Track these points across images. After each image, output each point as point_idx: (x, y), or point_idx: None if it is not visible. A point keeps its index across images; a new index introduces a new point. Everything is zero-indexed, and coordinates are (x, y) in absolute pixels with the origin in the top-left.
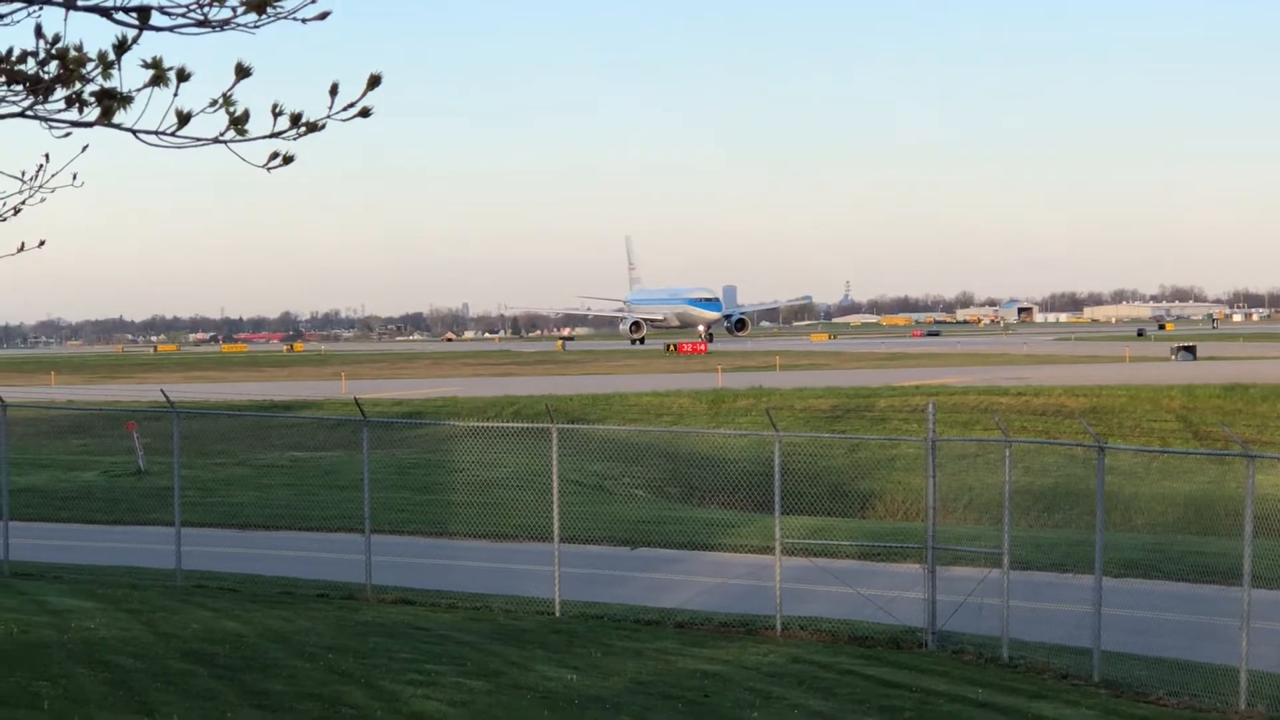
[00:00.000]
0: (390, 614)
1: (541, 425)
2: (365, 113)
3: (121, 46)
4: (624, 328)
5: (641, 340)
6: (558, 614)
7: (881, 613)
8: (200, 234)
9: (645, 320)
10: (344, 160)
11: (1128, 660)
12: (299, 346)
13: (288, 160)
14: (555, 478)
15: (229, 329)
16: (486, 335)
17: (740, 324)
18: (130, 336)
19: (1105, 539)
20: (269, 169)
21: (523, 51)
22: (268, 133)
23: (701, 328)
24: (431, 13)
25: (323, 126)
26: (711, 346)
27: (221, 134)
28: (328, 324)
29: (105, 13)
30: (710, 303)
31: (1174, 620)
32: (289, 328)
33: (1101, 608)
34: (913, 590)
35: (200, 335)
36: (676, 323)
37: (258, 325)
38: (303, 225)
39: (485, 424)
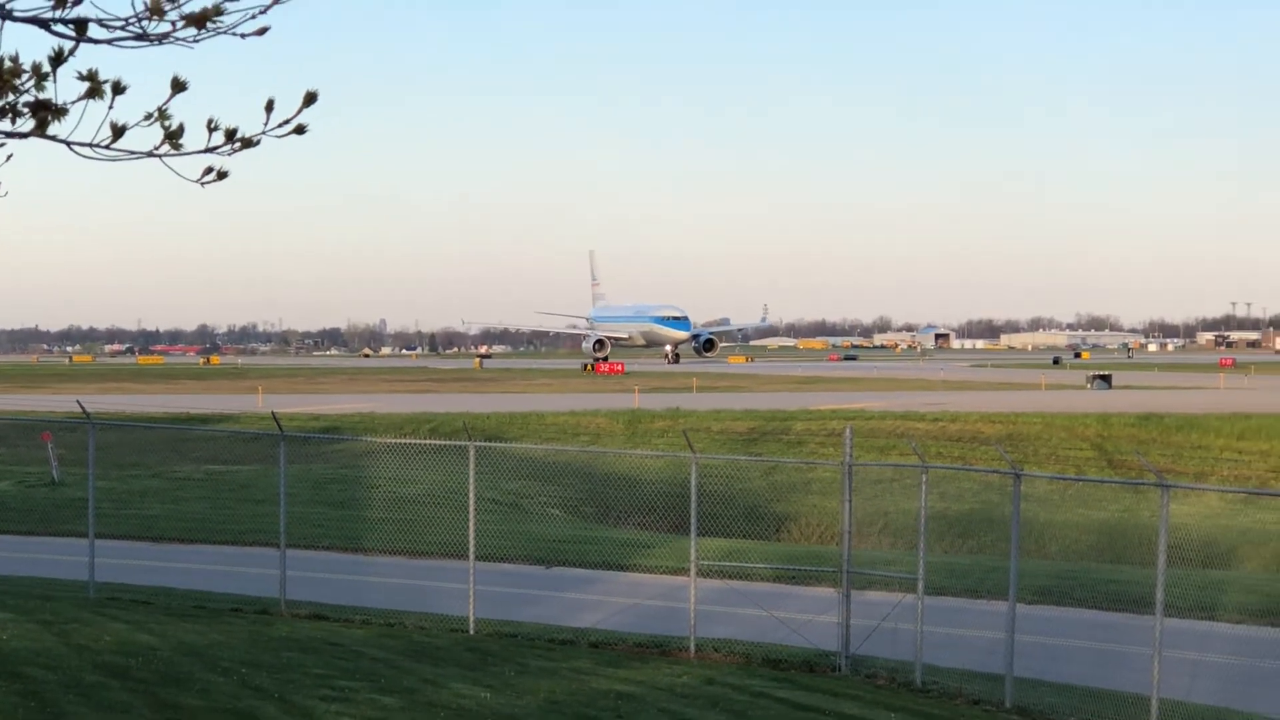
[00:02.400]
0: (304, 629)
1: (459, 443)
2: (300, 129)
3: (58, 58)
4: (587, 346)
5: (605, 359)
6: (472, 632)
7: (795, 635)
8: (118, 245)
9: (609, 339)
10: (264, 174)
11: (1040, 687)
12: (215, 360)
13: (222, 176)
14: (472, 495)
15: (145, 341)
16: (404, 351)
17: (709, 344)
18: (46, 347)
19: (1019, 565)
20: (203, 184)
21: (455, 71)
22: (203, 147)
23: (669, 347)
24: (369, 30)
25: (258, 142)
26: (639, 368)
27: (156, 148)
28: (244, 337)
29: (44, 24)
30: (679, 321)
31: (1086, 647)
32: (206, 340)
33: (1015, 634)
34: (827, 614)
35: (116, 346)
36: (642, 341)
37: (174, 338)
38: (220, 239)
39: (402, 440)
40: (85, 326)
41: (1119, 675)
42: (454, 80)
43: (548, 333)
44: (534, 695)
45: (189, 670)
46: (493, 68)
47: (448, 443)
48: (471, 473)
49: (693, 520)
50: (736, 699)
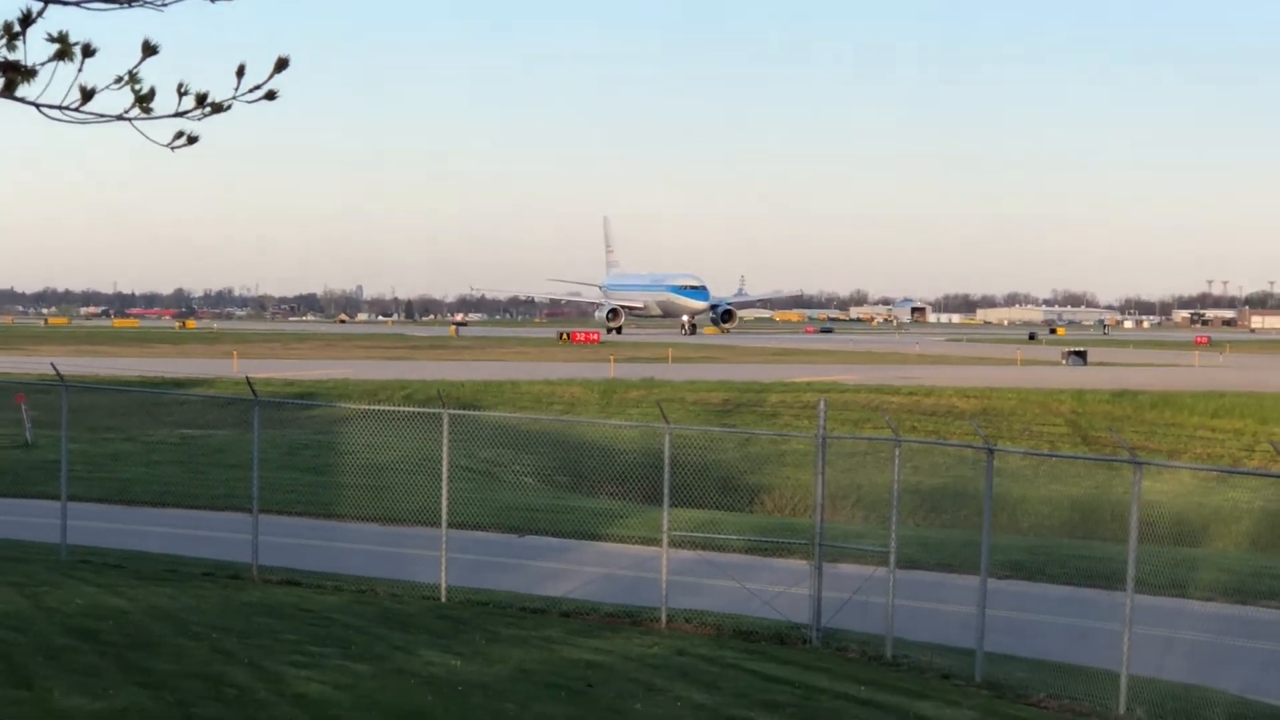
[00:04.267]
0: (276, 595)
1: (433, 410)
2: (271, 95)
3: (26, 19)
4: (600, 315)
5: (619, 330)
6: (444, 599)
7: (767, 608)
8: (95, 208)
9: (624, 308)
10: (241, 137)
11: (1010, 662)
12: (191, 324)
13: (192, 140)
14: (445, 463)
15: (121, 304)
16: (380, 318)
17: (727, 314)
18: (20, 308)
19: (991, 540)
20: (173, 148)
21: (431, 35)
22: (173, 112)
23: (686, 318)
24: None
25: (228, 107)
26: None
27: (126, 111)
28: (221, 302)
29: None
30: (697, 291)
31: (1057, 623)
32: (182, 305)
33: (985, 609)
34: (799, 586)
35: (92, 309)
36: (658, 311)
37: (150, 301)
38: (197, 202)
39: (376, 407)
40: (61, 289)
41: (1090, 651)
42: (430, 43)
43: (559, 300)
44: (504, 664)
45: (160, 634)
46: (466, 31)
47: (422, 410)
48: (445, 440)
49: (665, 491)
50: (707, 670)
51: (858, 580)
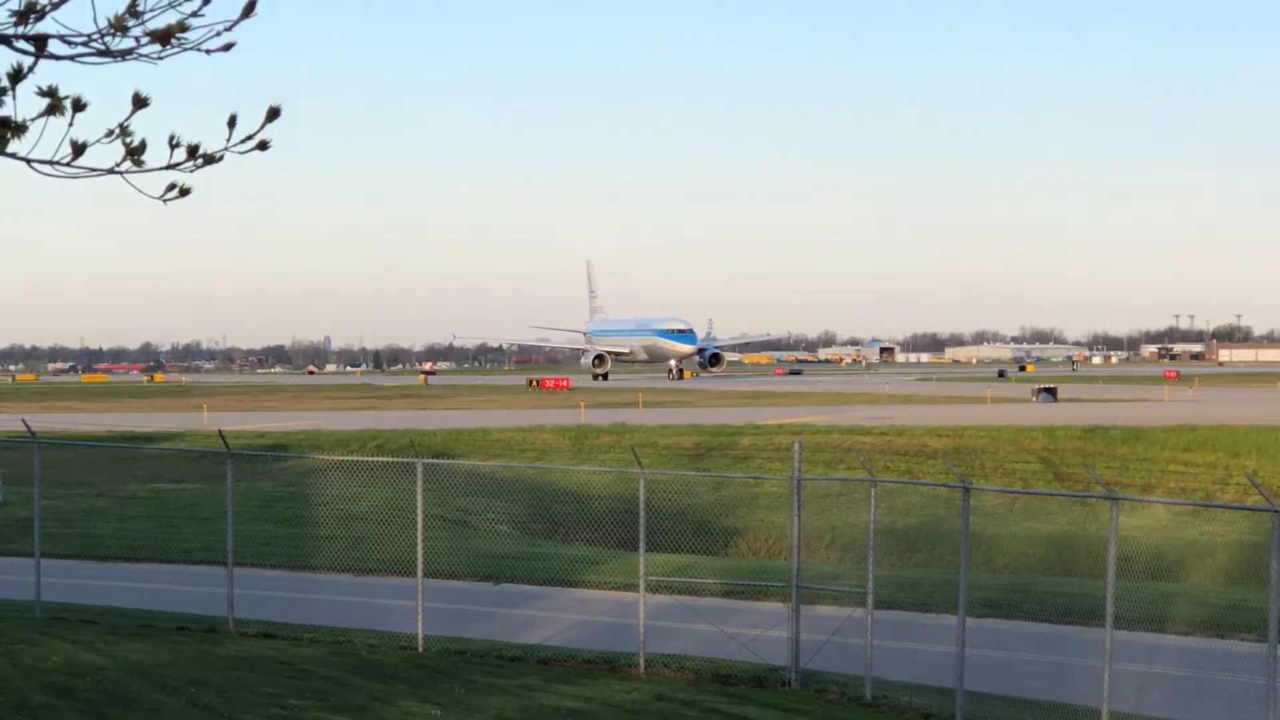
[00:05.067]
0: (252, 648)
1: (406, 459)
2: (264, 145)
3: (17, 75)
4: (586, 361)
5: (605, 376)
6: (421, 649)
7: (745, 651)
8: (59, 263)
9: (610, 353)
10: (204, 192)
11: (990, 700)
12: (159, 377)
13: (184, 192)
14: (420, 512)
15: (89, 359)
16: (349, 369)
17: (715, 359)
18: None
19: (968, 579)
20: (165, 200)
21: (401, 90)
22: (165, 164)
23: (673, 362)
24: (333, 46)
25: (220, 158)
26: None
27: (118, 164)
28: (188, 355)
29: (4, 40)
30: (685, 335)
31: (1036, 660)
32: (149, 358)
33: (964, 647)
34: (777, 628)
35: (59, 365)
36: (645, 356)
37: (118, 356)
38: (164, 255)
39: (349, 457)
40: (28, 345)
41: (1069, 688)
42: (400, 99)
43: (543, 347)
44: (483, 712)
45: (137, 690)
46: (436, 89)
47: (395, 459)
48: (419, 489)
49: (641, 536)
50: (686, 715)
51: (835, 621)
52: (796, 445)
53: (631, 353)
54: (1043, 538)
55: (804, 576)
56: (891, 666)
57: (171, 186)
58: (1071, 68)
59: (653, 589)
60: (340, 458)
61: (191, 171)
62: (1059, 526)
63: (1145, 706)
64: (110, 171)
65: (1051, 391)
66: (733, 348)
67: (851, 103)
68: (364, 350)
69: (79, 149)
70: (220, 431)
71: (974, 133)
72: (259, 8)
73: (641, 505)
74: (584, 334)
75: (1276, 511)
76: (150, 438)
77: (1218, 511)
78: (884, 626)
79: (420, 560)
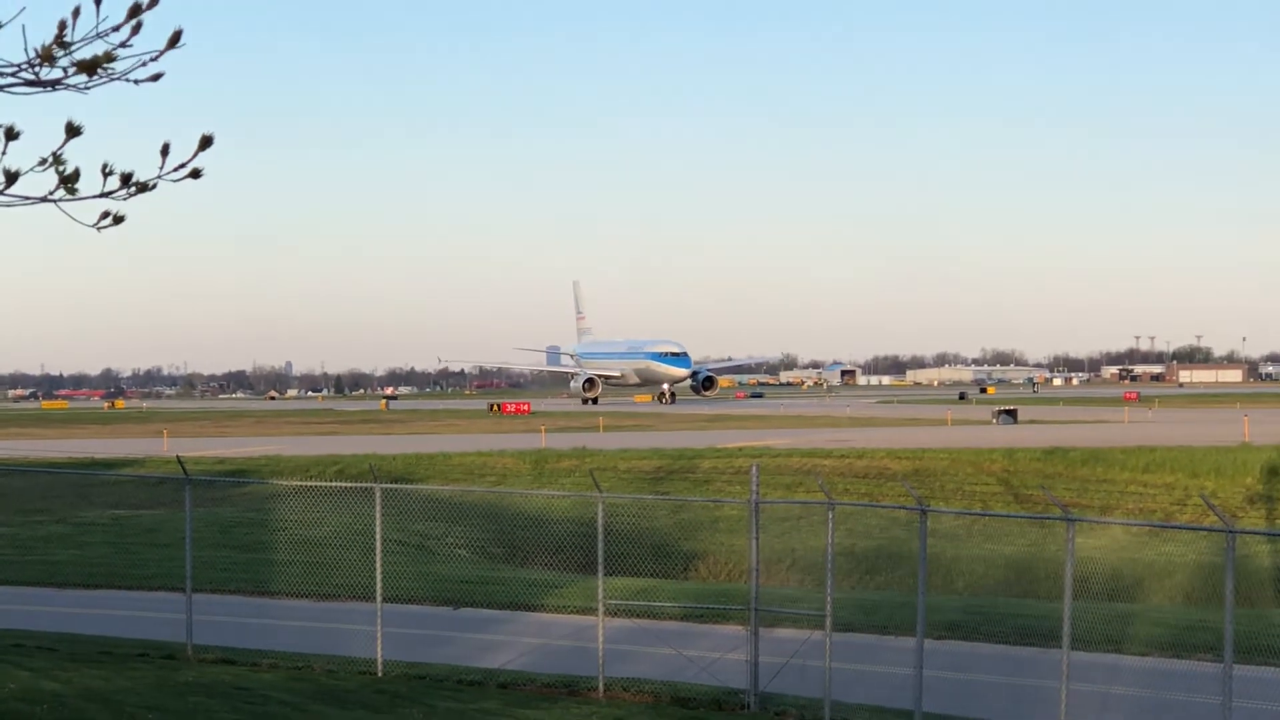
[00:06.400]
0: (211, 674)
1: (365, 484)
2: (196, 174)
3: None
4: (575, 385)
5: (595, 400)
6: (380, 674)
7: (704, 674)
8: (19, 290)
9: (600, 377)
10: (167, 217)
11: None
12: (120, 404)
13: (118, 220)
14: (379, 537)
15: (49, 385)
16: (310, 394)
17: (709, 382)
18: None
19: (927, 601)
20: (99, 229)
21: (347, 112)
22: (98, 192)
23: (666, 386)
24: (271, 70)
25: (154, 186)
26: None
27: (51, 193)
28: (150, 381)
29: None
30: (678, 358)
31: (995, 682)
32: (110, 385)
33: (923, 669)
34: (736, 652)
35: (19, 391)
36: (636, 380)
37: (79, 382)
38: (124, 282)
39: (309, 483)
40: None
41: (1028, 709)
42: (349, 121)
43: (524, 371)
44: None
45: (94, 717)
46: (383, 108)
47: (354, 485)
48: (378, 514)
49: (600, 559)
50: None
51: (795, 644)
52: (755, 469)
53: (623, 376)
54: (1002, 559)
55: (763, 599)
56: (851, 689)
57: (105, 214)
58: (1030, 89)
59: (612, 612)
60: (300, 483)
61: (125, 199)
62: (1018, 548)
63: None
64: (44, 200)
65: (1012, 413)
66: (722, 371)
67: (811, 124)
68: (325, 375)
69: (12, 177)
70: (179, 458)
71: (933, 155)
72: (186, 39)
73: (600, 529)
74: (571, 356)
75: (1232, 532)
76: (110, 464)
77: (1176, 532)
78: (843, 649)
79: (379, 585)
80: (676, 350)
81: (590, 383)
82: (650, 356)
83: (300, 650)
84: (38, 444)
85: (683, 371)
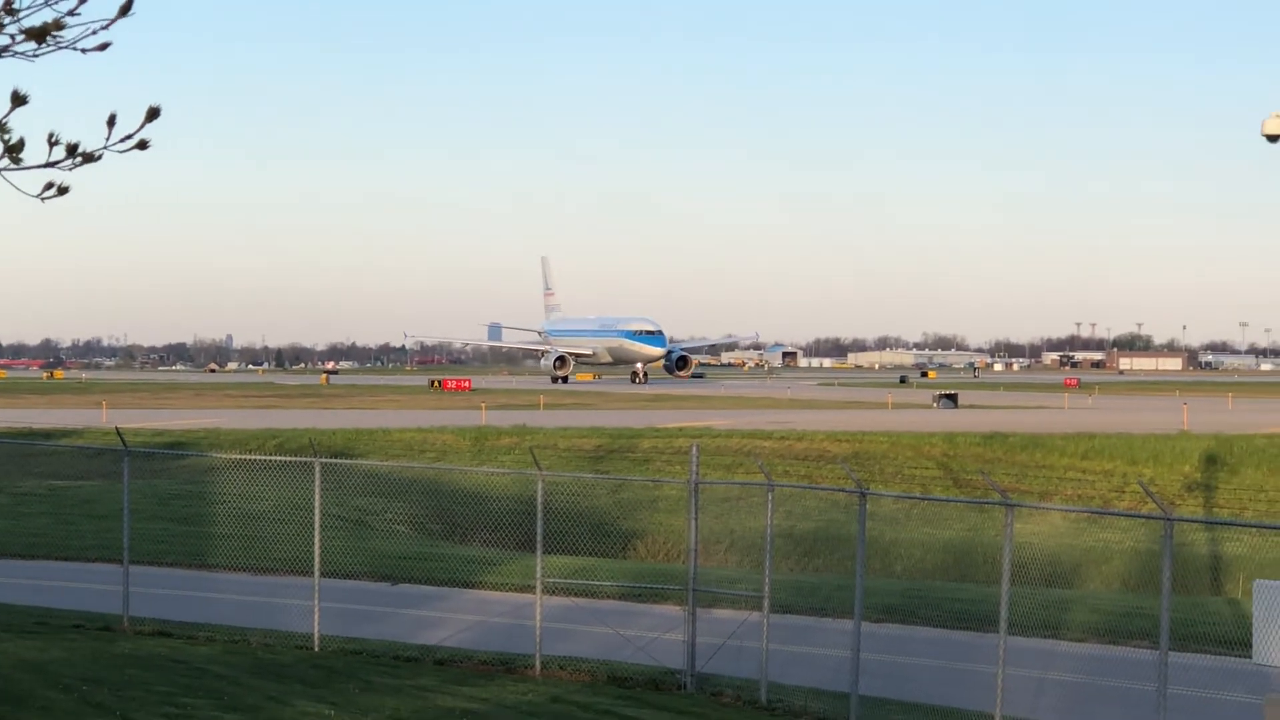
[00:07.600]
0: (147, 646)
1: (304, 459)
2: (143, 145)
3: None
4: (546, 363)
5: (565, 379)
6: (317, 649)
7: (642, 654)
8: None
9: (572, 354)
10: (108, 186)
11: (885, 704)
12: (59, 374)
13: (63, 191)
14: (318, 512)
15: None
16: (250, 367)
17: (682, 361)
18: None
19: (865, 584)
20: (43, 199)
21: (297, 82)
22: (43, 162)
23: (639, 365)
24: (218, 45)
25: (99, 157)
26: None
27: None
28: (89, 351)
29: None
30: (653, 336)
31: (931, 665)
32: (49, 354)
33: (860, 652)
34: (673, 632)
35: None
36: (609, 359)
37: (17, 351)
38: (65, 251)
39: (247, 456)
40: None
41: (964, 693)
42: (298, 93)
43: (501, 348)
44: (378, 713)
45: (29, 687)
46: (331, 82)
47: (293, 459)
48: (317, 489)
49: (538, 537)
50: (582, 717)
51: (732, 625)
52: (694, 449)
53: (595, 354)
54: (940, 543)
55: (701, 580)
56: (788, 670)
57: (50, 185)
58: (972, 73)
59: (550, 591)
60: (239, 456)
61: (70, 170)
62: (957, 532)
63: (1039, 711)
64: None
65: (952, 398)
66: (695, 350)
67: (756, 105)
68: (266, 349)
69: None
70: (118, 429)
71: (878, 140)
72: (136, 7)
73: (540, 507)
74: (539, 333)
75: (1170, 520)
76: (48, 434)
77: (1114, 519)
78: (781, 630)
79: (317, 560)
80: (651, 328)
81: (561, 360)
82: (624, 335)
83: (238, 624)
84: None
85: (657, 351)
